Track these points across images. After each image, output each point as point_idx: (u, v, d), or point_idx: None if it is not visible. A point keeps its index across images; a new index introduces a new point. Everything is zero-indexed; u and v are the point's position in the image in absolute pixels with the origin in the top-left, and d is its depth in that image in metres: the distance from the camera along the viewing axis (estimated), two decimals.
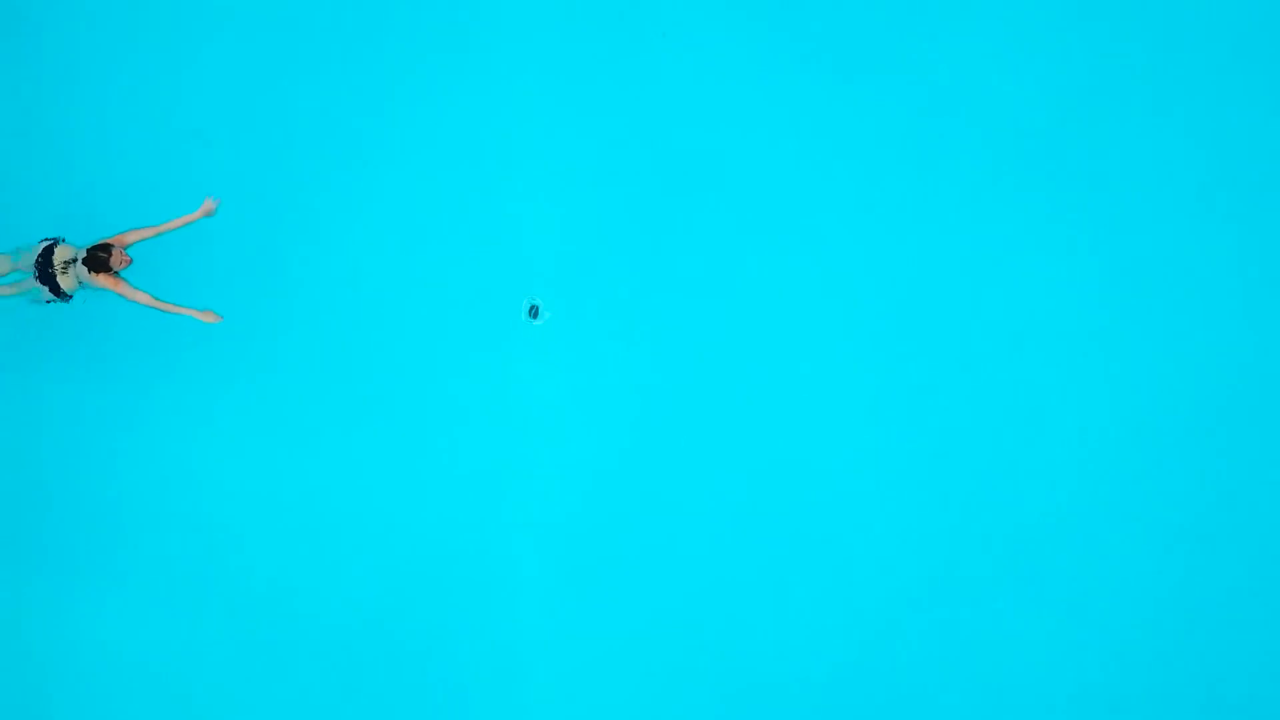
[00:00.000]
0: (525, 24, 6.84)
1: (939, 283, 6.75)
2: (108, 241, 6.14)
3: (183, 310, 6.29)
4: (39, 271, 6.23)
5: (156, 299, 6.23)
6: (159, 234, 6.23)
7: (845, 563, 6.70)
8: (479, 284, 6.78)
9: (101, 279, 6.13)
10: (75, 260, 6.19)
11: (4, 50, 6.86)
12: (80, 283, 6.22)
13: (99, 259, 6.11)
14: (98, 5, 6.88)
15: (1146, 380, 6.70)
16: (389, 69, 6.88)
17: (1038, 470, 6.70)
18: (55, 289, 6.26)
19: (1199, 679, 6.63)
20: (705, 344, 6.79)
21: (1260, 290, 6.70)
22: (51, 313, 6.65)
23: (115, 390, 6.77)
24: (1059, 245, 6.75)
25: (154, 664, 6.72)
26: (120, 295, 6.19)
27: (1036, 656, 6.65)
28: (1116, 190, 6.77)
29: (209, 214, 6.29)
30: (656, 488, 6.75)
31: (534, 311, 6.64)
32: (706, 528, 6.73)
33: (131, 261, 6.19)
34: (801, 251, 6.78)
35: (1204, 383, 6.68)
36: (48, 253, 6.23)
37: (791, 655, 6.67)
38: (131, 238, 6.18)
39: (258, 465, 6.75)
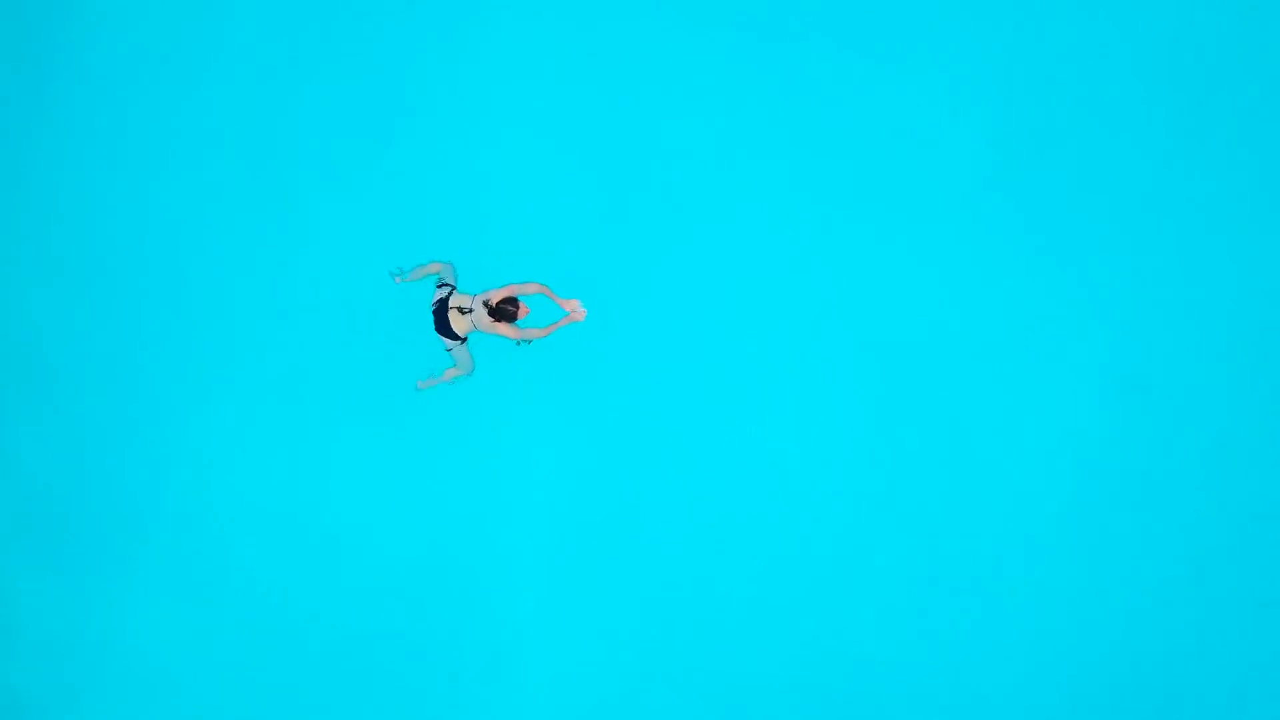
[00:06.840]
0: (518, 39, 6.94)
1: (923, 295, 6.79)
2: (514, 296, 6.13)
3: (556, 326, 6.32)
4: (436, 318, 6.30)
5: (543, 328, 6.29)
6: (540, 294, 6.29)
7: (836, 563, 6.74)
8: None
9: (501, 327, 6.15)
10: (471, 309, 6.23)
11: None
12: (473, 327, 6.26)
13: (506, 311, 6.11)
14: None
15: (1137, 381, 6.70)
16: (389, 79, 6.98)
17: (1029, 471, 6.73)
18: (448, 332, 6.30)
19: (1190, 678, 6.66)
20: (698, 350, 6.86)
21: (1254, 292, 6.69)
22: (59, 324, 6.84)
23: (116, 391, 6.92)
24: (1045, 246, 6.76)
25: (158, 663, 6.86)
26: (505, 337, 6.25)
27: (1030, 656, 6.70)
28: (1107, 193, 6.76)
29: (576, 318, 6.31)
30: (652, 491, 6.81)
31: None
32: (701, 530, 6.79)
33: (530, 311, 6.24)
34: (791, 265, 6.83)
35: (1193, 384, 6.69)
36: (444, 301, 6.28)
37: (785, 656, 6.73)
38: (531, 289, 6.21)
39: (263, 469, 6.87)
